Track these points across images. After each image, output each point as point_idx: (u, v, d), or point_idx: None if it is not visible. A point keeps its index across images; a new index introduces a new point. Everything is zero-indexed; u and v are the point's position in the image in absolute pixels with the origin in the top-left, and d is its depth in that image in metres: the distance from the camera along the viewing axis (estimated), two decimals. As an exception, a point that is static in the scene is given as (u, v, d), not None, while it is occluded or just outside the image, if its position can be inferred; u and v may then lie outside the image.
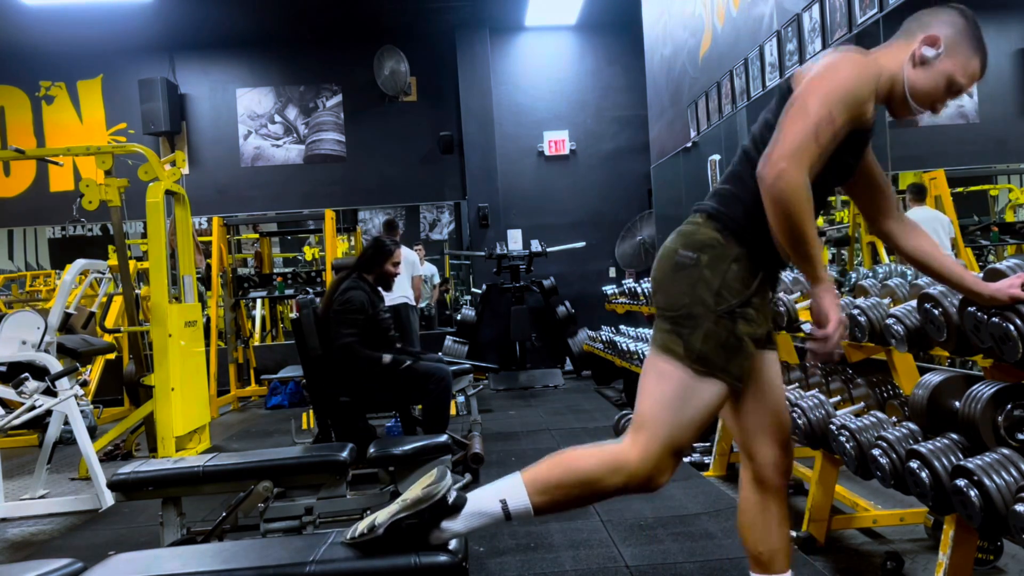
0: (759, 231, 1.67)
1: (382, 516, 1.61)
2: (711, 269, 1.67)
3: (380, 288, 4.14)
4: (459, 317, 8.00)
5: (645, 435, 1.64)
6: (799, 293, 3.10)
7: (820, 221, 5.25)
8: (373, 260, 4.08)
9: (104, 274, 6.41)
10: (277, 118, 8.54)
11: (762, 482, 1.83)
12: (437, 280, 10.06)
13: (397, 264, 4.18)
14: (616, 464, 1.64)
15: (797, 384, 3.19)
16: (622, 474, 1.63)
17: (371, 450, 2.77)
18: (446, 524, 1.60)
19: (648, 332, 5.32)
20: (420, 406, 4.18)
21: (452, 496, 1.60)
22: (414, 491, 1.62)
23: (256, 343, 8.47)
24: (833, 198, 5.06)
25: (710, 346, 1.64)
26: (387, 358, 3.86)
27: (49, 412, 4.02)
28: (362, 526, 1.62)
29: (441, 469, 1.66)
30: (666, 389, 1.66)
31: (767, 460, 1.82)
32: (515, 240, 8.26)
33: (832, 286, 1.63)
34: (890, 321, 2.29)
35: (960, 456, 1.89)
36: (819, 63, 1.66)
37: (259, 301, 9.07)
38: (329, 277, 6.94)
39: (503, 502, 1.62)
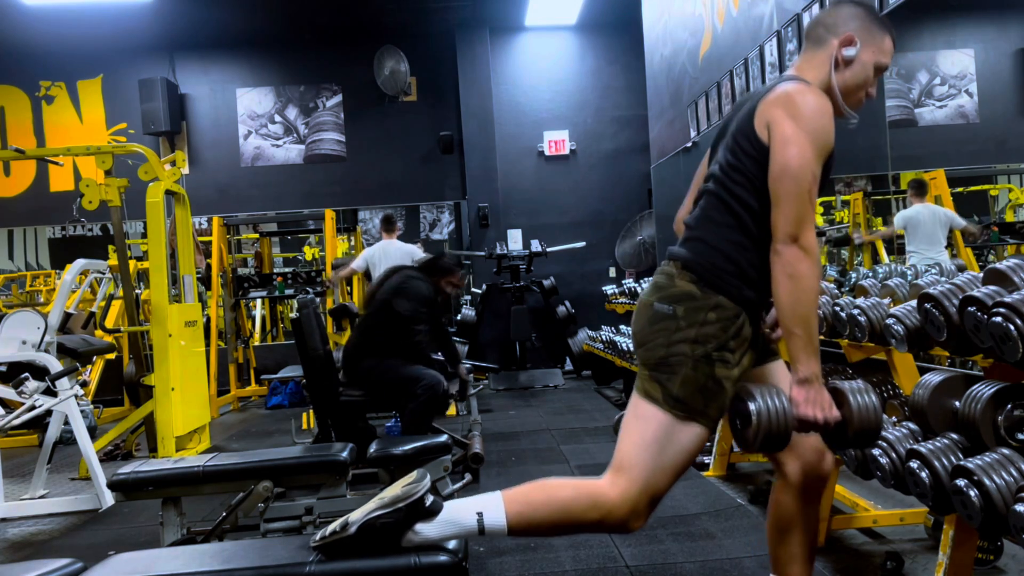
0: (737, 274, 1.69)
1: (356, 515, 1.60)
2: (687, 320, 1.68)
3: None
4: (459, 317, 8.00)
5: (625, 477, 1.66)
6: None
7: (820, 221, 5.25)
8: (435, 267, 4.22)
9: (104, 274, 6.41)
10: (277, 118, 8.54)
11: (792, 488, 1.84)
12: None
13: (454, 287, 4.30)
14: (595, 500, 1.66)
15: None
16: (599, 511, 1.65)
17: (371, 450, 2.77)
18: (420, 527, 1.60)
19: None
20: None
21: (429, 499, 1.61)
22: (393, 490, 1.62)
23: (256, 343, 8.47)
24: (833, 198, 5.05)
25: (688, 391, 1.66)
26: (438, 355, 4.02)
27: (49, 412, 4.02)
28: (333, 526, 1.62)
29: (421, 471, 1.66)
30: (646, 432, 1.67)
31: (798, 469, 1.83)
32: (515, 240, 8.26)
33: (822, 385, 1.62)
34: (890, 321, 2.29)
35: (960, 456, 1.89)
36: (779, 103, 1.66)
37: (259, 301, 9.07)
38: (329, 277, 6.95)
39: (479, 515, 1.62)
